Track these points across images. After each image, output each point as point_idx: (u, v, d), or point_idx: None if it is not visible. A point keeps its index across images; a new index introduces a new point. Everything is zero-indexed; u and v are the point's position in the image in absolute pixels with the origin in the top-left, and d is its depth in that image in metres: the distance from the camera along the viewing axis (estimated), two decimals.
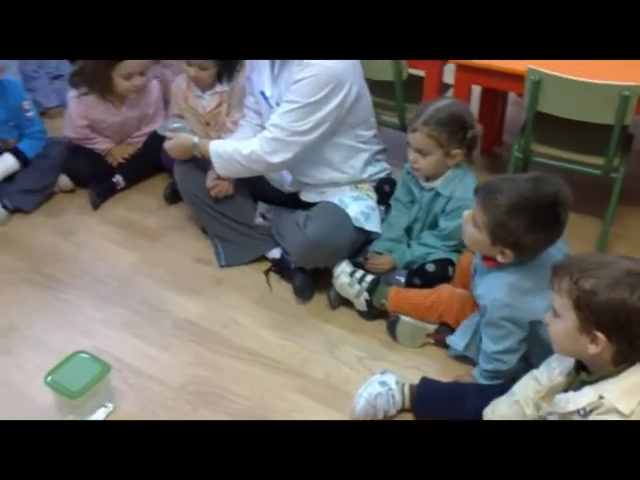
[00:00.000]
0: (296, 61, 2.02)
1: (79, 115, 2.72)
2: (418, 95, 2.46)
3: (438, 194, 2.06)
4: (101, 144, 2.81)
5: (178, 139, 2.34)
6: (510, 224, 1.59)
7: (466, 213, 1.72)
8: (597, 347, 1.29)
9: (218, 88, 2.57)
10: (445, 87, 2.52)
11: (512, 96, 2.97)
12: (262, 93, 2.22)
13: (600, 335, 1.28)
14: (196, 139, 2.28)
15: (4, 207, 2.63)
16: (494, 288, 1.69)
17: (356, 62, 2.11)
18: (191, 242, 2.50)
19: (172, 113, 2.75)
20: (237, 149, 2.15)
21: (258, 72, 2.22)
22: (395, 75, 2.35)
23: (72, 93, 2.72)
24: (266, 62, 2.17)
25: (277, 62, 2.12)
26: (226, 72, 2.51)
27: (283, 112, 2.06)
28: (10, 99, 2.64)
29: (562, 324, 1.35)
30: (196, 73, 2.48)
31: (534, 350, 1.70)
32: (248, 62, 2.34)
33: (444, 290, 1.98)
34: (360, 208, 2.18)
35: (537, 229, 1.59)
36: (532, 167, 2.54)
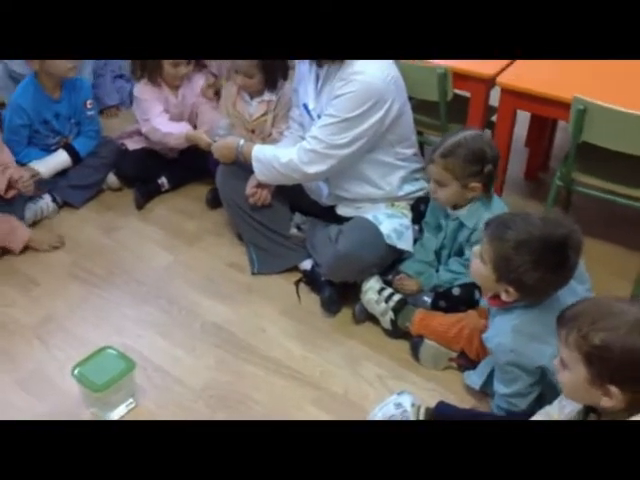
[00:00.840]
0: (339, 75, 2.05)
1: (153, 97, 2.76)
2: (463, 116, 2.45)
3: (462, 224, 2.04)
4: (179, 127, 2.76)
5: (225, 140, 2.41)
6: (515, 260, 1.56)
7: (475, 248, 1.70)
8: (611, 400, 1.24)
9: (266, 96, 2.61)
10: (491, 110, 2.50)
11: (562, 121, 2.92)
12: (305, 105, 2.25)
13: (614, 389, 1.23)
14: (242, 141, 2.33)
15: (54, 201, 2.74)
16: (500, 332, 1.67)
17: (399, 79, 2.11)
18: (227, 247, 2.55)
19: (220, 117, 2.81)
20: (276, 156, 2.19)
21: (304, 85, 2.25)
22: (440, 95, 2.34)
23: (137, 86, 2.80)
24: (312, 75, 2.20)
25: (321, 76, 2.15)
26: (270, 80, 2.56)
27: (322, 125, 2.09)
28: (77, 97, 2.75)
29: (571, 376, 1.30)
30: (243, 81, 2.53)
31: (545, 391, 1.67)
32: (296, 74, 2.37)
33: (467, 323, 1.94)
34: (393, 226, 2.18)
35: (542, 268, 1.55)
36: (575, 197, 2.50)
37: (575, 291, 1.65)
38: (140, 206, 2.79)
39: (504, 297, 1.64)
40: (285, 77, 2.62)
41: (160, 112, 2.77)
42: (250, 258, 2.42)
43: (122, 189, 2.90)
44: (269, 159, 2.21)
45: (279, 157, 2.18)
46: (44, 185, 2.72)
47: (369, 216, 2.19)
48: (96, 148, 2.84)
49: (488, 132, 1.98)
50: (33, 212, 2.66)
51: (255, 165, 2.24)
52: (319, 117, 2.16)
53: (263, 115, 2.65)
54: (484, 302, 1.85)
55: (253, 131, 2.70)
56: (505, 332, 1.65)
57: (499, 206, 2.02)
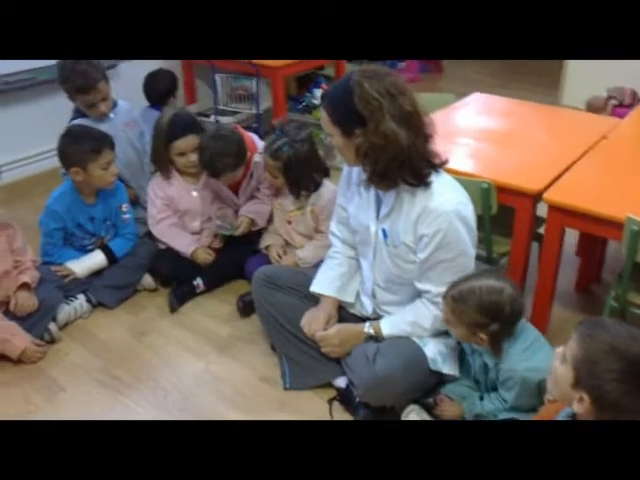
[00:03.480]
0: (416, 202, 1.91)
1: (157, 187, 2.85)
2: (509, 228, 2.36)
3: (485, 361, 1.93)
4: (183, 241, 2.84)
5: (345, 327, 2.19)
6: (600, 365, 1.33)
7: (559, 349, 1.48)
8: (581, 407, 1.30)
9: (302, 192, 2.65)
10: (539, 221, 2.41)
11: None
12: (384, 230, 2.05)
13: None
14: (367, 325, 2.14)
15: (88, 301, 2.71)
16: None
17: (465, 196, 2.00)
18: (259, 358, 2.45)
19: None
20: (416, 323, 2.04)
21: (356, 203, 2.13)
22: (484, 210, 2.27)
23: (150, 181, 2.91)
24: (370, 197, 2.05)
25: (385, 200, 2.00)
26: (294, 186, 2.60)
27: (439, 275, 1.95)
28: (113, 201, 2.78)
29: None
30: (270, 179, 2.63)
31: None
32: (341, 191, 2.26)
33: None
34: (439, 347, 2.04)
35: (629, 384, 1.32)
36: (629, 318, 2.34)
37: None
38: (174, 309, 2.74)
39: (575, 407, 1.38)
40: (326, 174, 2.66)
41: (166, 216, 2.85)
42: (282, 371, 2.31)
43: (158, 289, 2.87)
44: (411, 332, 2.05)
45: (421, 323, 2.03)
46: (79, 285, 2.70)
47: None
48: (133, 249, 2.83)
49: (510, 288, 1.83)
50: (67, 313, 2.62)
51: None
52: (395, 246, 2.01)
53: (298, 209, 2.67)
54: None
55: (290, 222, 2.72)
56: None
57: (528, 336, 1.89)
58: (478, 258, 2.46)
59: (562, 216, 2.15)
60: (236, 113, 4.16)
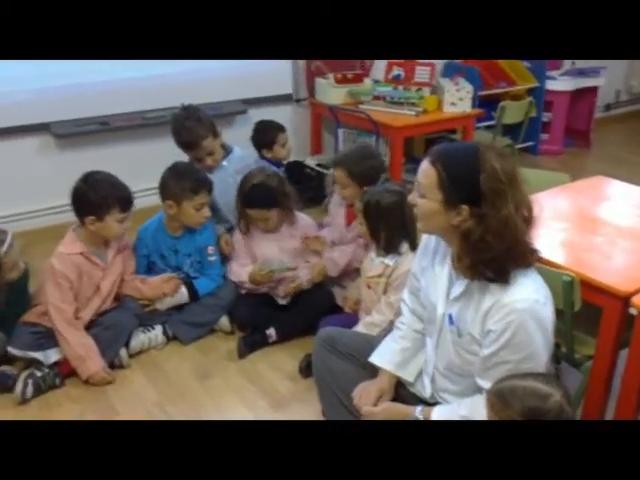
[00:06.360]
0: (488, 292, 1.75)
1: (240, 246, 2.92)
2: (595, 326, 2.11)
3: None
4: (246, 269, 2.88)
5: (395, 408, 2.07)
6: None
7: None
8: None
9: (387, 259, 2.55)
10: (631, 319, 2.13)
11: None
12: (450, 317, 1.92)
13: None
14: (418, 410, 2.01)
15: (164, 333, 2.79)
16: None
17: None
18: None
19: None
20: (469, 419, 1.88)
21: (427, 278, 2.00)
22: (565, 305, 2.05)
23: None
24: (444, 274, 1.92)
25: (457, 282, 1.86)
26: (388, 244, 2.52)
27: (501, 375, 1.75)
28: (199, 239, 2.87)
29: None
30: (360, 230, 2.59)
31: None
32: (417, 257, 2.18)
33: None
34: None
35: None
36: None
37: None
38: (242, 356, 2.74)
39: None
40: (413, 247, 2.52)
41: (242, 263, 2.91)
42: None
43: (234, 332, 2.90)
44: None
45: (473, 417, 1.86)
46: (158, 316, 2.80)
47: None
48: (215, 289, 2.89)
49: (558, 396, 1.57)
50: (141, 342, 2.72)
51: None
52: (460, 335, 1.86)
53: (378, 276, 2.58)
54: None
55: (369, 286, 2.64)
56: None
57: None
58: (559, 358, 2.25)
59: None
60: None
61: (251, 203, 2.82)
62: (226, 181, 3.16)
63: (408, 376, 2.11)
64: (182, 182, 2.73)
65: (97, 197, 2.50)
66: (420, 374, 2.12)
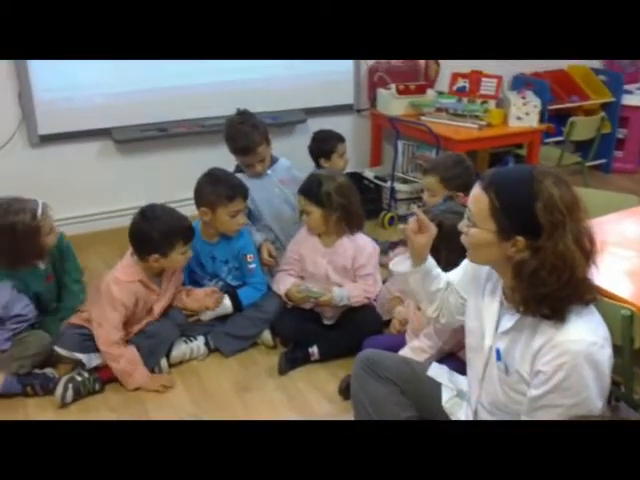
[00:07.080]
0: (540, 335, 1.62)
1: (295, 241, 2.88)
2: None
3: None
4: (284, 284, 2.80)
5: None
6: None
7: None
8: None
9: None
10: None
11: None
12: (497, 351, 1.80)
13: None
14: None
15: (206, 344, 2.76)
16: None
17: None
18: None
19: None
20: None
21: (480, 306, 1.86)
22: (624, 340, 1.89)
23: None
24: (494, 303, 1.79)
25: (507, 315, 1.73)
26: (450, 267, 2.33)
27: (549, 419, 1.64)
28: (236, 246, 2.82)
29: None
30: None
31: None
32: (463, 276, 2.07)
33: None
34: None
35: None
36: None
37: None
38: (282, 372, 2.67)
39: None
40: None
41: (289, 269, 2.85)
42: None
43: (276, 347, 2.84)
44: None
45: None
46: (201, 327, 2.77)
47: None
48: (260, 300, 2.84)
49: None
50: (182, 352, 2.70)
51: None
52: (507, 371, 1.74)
53: None
54: None
55: (420, 308, 2.47)
56: None
57: None
58: (617, 397, 2.08)
59: None
60: (412, 182, 4.06)
61: (300, 188, 2.77)
62: (271, 190, 3.12)
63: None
64: (217, 189, 2.70)
65: (160, 235, 2.46)
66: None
